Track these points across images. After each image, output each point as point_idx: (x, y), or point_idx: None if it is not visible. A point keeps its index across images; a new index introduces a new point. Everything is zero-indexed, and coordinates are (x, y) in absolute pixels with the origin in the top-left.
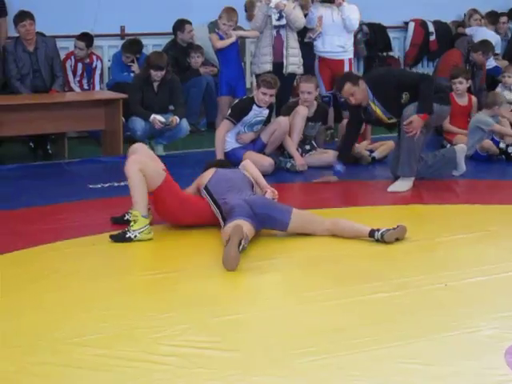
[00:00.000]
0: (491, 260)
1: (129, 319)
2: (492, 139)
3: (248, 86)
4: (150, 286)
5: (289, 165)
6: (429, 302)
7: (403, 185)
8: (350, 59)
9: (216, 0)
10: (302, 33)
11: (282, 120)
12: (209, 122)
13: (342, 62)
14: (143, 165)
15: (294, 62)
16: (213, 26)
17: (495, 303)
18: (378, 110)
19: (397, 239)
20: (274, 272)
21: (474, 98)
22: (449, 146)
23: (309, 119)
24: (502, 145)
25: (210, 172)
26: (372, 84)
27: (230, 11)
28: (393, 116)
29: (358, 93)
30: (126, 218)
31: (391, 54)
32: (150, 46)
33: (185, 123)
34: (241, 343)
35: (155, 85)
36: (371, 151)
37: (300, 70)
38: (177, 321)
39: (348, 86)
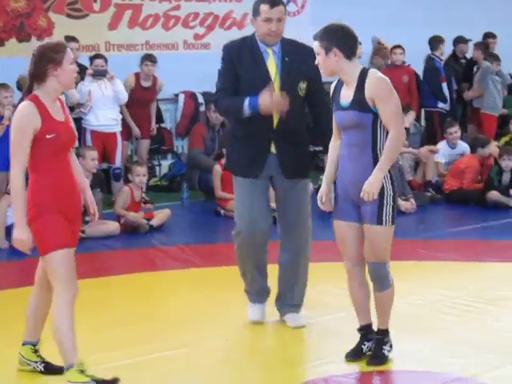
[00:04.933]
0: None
1: None
2: None
3: None
4: None
5: None
6: None
7: None
8: (120, 131)
9: None
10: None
11: None
12: None
13: (114, 134)
14: None
15: None
16: None
17: None
18: (274, 66)
19: None
20: None
21: None
22: (222, 212)
23: None
24: None
25: None
26: (284, 43)
27: (3, 85)
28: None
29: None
30: None
31: (163, 125)
32: None
33: None
34: None
35: None
36: (148, 219)
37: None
38: None
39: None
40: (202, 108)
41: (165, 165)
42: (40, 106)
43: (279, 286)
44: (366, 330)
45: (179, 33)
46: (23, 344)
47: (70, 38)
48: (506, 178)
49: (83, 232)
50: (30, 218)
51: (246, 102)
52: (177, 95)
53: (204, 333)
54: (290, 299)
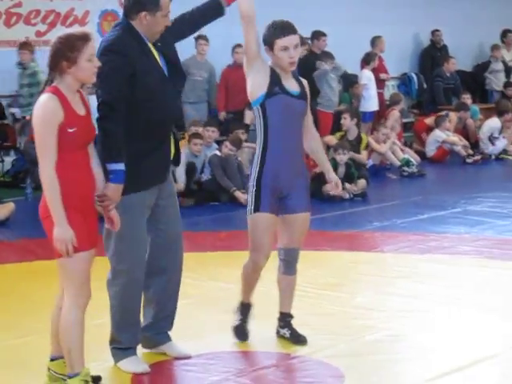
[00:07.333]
0: None
1: None
2: None
3: None
4: None
5: None
6: None
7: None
8: None
9: None
10: None
11: None
12: None
13: None
14: None
15: None
16: None
17: None
18: (156, 55)
19: None
20: None
21: None
22: None
23: None
24: None
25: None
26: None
27: None
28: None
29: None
30: None
31: (6, 121)
32: None
33: None
34: None
35: None
36: None
37: None
38: None
39: None
40: None
41: (8, 161)
42: (62, 98)
43: (153, 312)
44: (249, 309)
45: (21, 30)
46: (53, 359)
47: None
48: (340, 171)
49: None
50: (47, 215)
51: (115, 167)
52: None
53: (47, 321)
54: (167, 327)
